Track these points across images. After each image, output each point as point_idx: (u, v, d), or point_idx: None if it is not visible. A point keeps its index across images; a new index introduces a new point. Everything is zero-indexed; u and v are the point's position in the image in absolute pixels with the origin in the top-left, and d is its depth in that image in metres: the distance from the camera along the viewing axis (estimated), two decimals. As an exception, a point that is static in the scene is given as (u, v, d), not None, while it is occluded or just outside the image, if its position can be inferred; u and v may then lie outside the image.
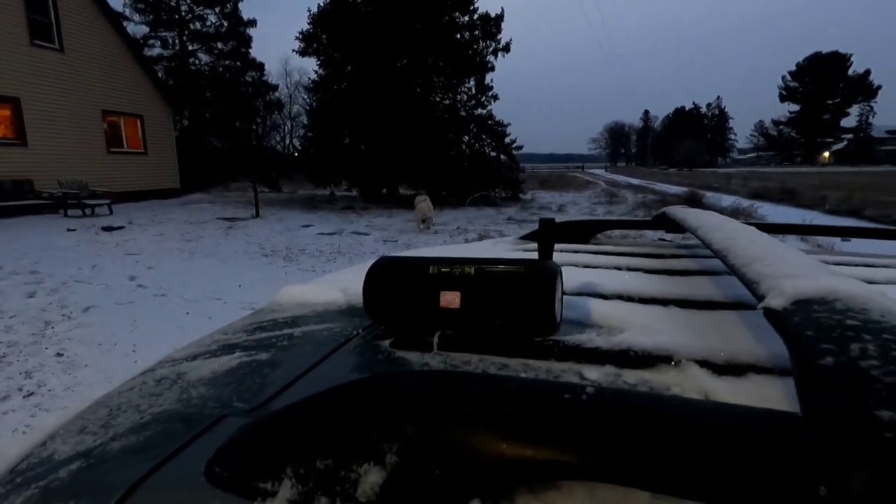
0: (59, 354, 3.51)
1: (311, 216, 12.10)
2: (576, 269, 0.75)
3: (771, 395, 0.35)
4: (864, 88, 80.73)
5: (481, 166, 15.73)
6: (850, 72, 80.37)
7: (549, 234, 0.55)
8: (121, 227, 9.47)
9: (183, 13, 22.66)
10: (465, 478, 0.23)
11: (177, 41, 22.83)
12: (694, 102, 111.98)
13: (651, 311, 0.54)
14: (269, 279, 5.83)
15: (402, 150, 14.62)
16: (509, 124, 16.49)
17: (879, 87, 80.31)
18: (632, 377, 0.40)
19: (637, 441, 0.22)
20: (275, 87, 25.87)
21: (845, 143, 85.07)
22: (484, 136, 16.63)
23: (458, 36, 15.93)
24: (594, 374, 0.41)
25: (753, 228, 0.59)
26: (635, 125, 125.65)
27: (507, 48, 16.09)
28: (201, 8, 22.88)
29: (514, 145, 16.78)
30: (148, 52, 20.80)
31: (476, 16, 15.98)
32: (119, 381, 0.50)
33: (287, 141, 32.22)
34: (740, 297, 0.57)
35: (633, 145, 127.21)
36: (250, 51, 23.95)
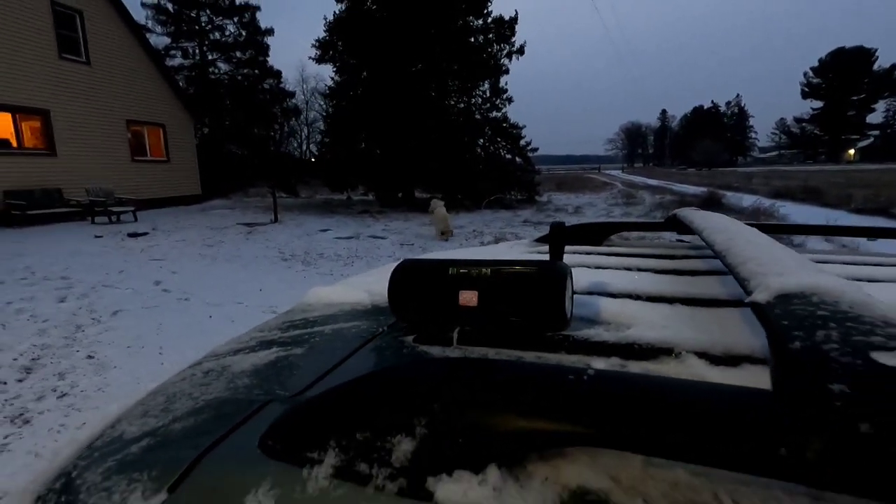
0: (90, 357, 3.65)
1: (329, 220, 12.26)
2: (588, 269, 0.78)
3: (760, 381, 0.39)
4: (891, 83, 78.41)
5: (496, 169, 15.75)
6: (875, 66, 78.25)
7: (559, 236, 0.59)
8: (145, 234, 9.74)
9: (203, 24, 23.22)
10: (484, 446, 0.27)
11: (197, 51, 23.39)
12: (713, 101, 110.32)
13: (657, 309, 0.57)
14: (289, 283, 5.95)
15: (417, 154, 14.73)
16: (524, 126, 16.49)
17: (906, 82, 77.97)
18: (635, 367, 0.44)
19: (629, 412, 0.26)
20: (292, 94, 26.30)
21: (872, 139, 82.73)
22: (499, 139, 16.65)
23: (472, 39, 16.01)
24: (601, 364, 0.45)
25: (755, 230, 0.61)
26: (652, 125, 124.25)
27: (521, 51, 16.10)
28: (220, 18, 23.42)
29: (530, 147, 16.77)
30: (169, 63, 21.37)
31: (490, 19, 16.04)
32: (147, 382, 0.55)
33: (304, 147, 32.71)
34: (741, 294, 0.60)
35: (650, 145, 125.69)
36: (268, 59, 24.42)
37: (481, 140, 16.56)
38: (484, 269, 0.51)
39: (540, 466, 0.29)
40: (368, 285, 0.75)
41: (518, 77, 18.77)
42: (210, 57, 23.71)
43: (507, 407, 0.28)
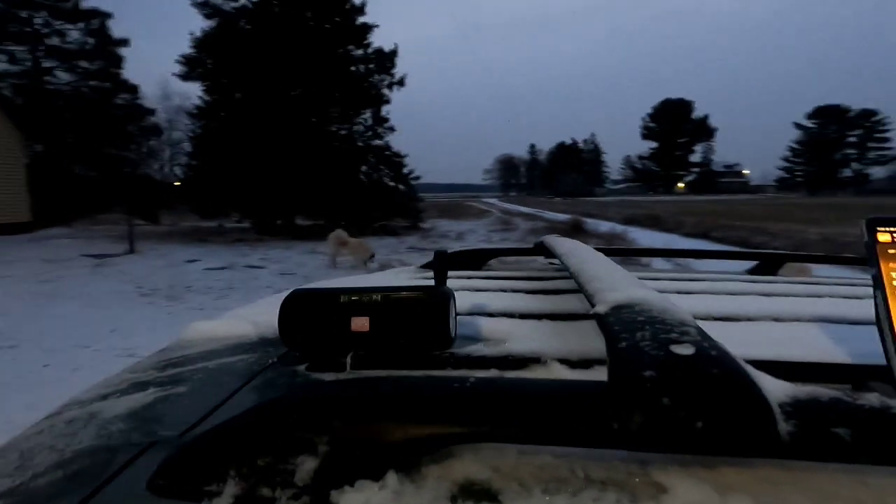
0: None
1: (198, 250, 11.20)
2: (469, 292, 0.85)
3: (603, 377, 0.47)
4: (705, 130, 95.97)
5: (380, 196, 15.84)
6: (693, 115, 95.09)
7: (443, 262, 0.64)
8: (-48, 270, 7.99)
9: (37, 27, 20.19)
10: (382, 455, 0.31)
11: (29, 56, 20.19)
12: (573, 138, 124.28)
13: (528, 325, 0.65)
14: (151, 321, 5.30)
15: (297, 180, 14.23)
16: (406, 155, 16.91)
17: (716, 129, 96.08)
18: (510, 375, 0.50)
19: (501, 409, 0.31)
20: (151, 112, 23.84)
21: (694, 175, 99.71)
22: (382, 167, 16.83)
23: (354, 68, 16.14)
24: (481, 376, 0.50)
25: (601, 255, 0.74)
26: (524, 157, 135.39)
27: (401, 82, 16.62)
28: (61, 23, 20.59)
29: (412, 175, 17.20)
30: (-10, 67, 18.13)
31: (371, 50, 16.36)
32: None
33: (167, 169, 29.62)
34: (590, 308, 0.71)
35: (522, 176, 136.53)
36: (122, 71, 21.97)
37: (364, 167, 16.59)
38: (374, 296, 0.54)
39: (432, 467, 0.32)
40: (254, 317, 0.73)
41: (402, 107, 19.21)
42: (46, 65, 20.63)
43: (399, 417, 0.31)
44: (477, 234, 15.95)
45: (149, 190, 20.16)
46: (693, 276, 1.07)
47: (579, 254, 0.75)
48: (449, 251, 1.12)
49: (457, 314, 0.59)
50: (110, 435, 0.42)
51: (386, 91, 16.52)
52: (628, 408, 0.28)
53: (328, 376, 0.52)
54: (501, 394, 0.33)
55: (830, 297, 0.80)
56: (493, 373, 0.51)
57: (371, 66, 16.45)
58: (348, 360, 0.54)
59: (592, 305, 0.48)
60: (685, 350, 0.32)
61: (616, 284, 0.51)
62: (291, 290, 0.58)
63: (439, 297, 0.54)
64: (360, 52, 16.32)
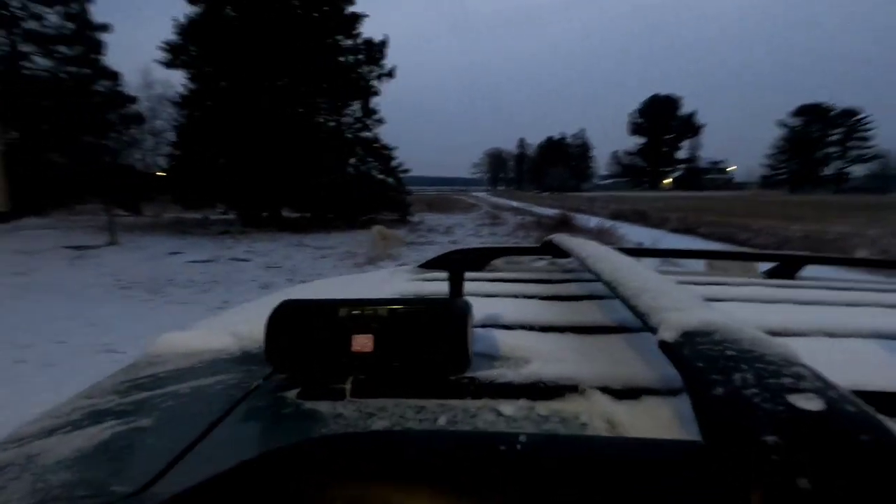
0: None
1: (181, 242, 10.95)
2: (478, 298, 0.77)
3: (663, 415, 0.39)
4: (691, 126, 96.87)
5: (368, 189, 15.65)
6: (680, 112, 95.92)
7: (459, 269, 0.56)
8: (-79, 261, 7.68)
9: (12, 9, 19.46)
10: None
11: (4, 41, 19.49)
12: (562, 133, 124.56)
13: (551, 340, 0.57)
14: (131, 315, 5.13)
15: (284, 172, 13.98)
16: (396, 147, 16.72)
17: (703, 126, 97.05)
18: (544, 409, 0.42)
19: (543, 490, 0.22)
20: (133, 100, 23.18)
21: (680, 171, 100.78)
22: (370, 159, 16.63)
23: (342, 59, 15.87)
24: (509, 409, 0.42)
25: (633, 260, 0.66)
26: (512, 151, 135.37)
27: (391, 74, 16.39)
28: (38, 5, 19.88)
29: (401, 168, 17.02)
30: (-37, 51, 17.46)
31: (360, 40, 16.09)
32: None
33: (149, 159, 28.94)
34: (623, 320, 0.63)
35: (510, 170, 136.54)
36: (102, 57, 21.30)
37: (353, 159, 16.38)
38: (380, 310, 0.46)
39: None
40: (234, 326, 0.64)
41: (391, 99, 19.01)
42: (23, 49, 19.92)
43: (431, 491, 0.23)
44: (465, 227, 15.87)
45: (130, 180, 19.66)
46: (710, 279, 1.00)
47: (609, 258, 0.67)
48: (455, 250, 1.04)
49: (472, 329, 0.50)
50: (47, 491, 0.33)
51: (375, 82, 16.29)
52: (748, 485, 0.20)
53: (324, 406, 0.44)
54: (540, 461, 0.23)
55: (877, 306, 0.73)
56: (522, 404, 0.43)
57: (360, 56, 16.18)
58: (348, 386, 0.45)
59: (650, 327, 0.40)
60: (810, 403, 0.24)
61: (675, 301, 0.43)
62: (281, 302, 0.49)
63: (457, 312, 0.46)
64: (349, 42, 16.04)
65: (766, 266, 1.13)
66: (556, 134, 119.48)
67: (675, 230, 14.72)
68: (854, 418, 0.23)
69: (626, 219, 18.56)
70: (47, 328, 4.56)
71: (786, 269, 1.09)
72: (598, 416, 0.41)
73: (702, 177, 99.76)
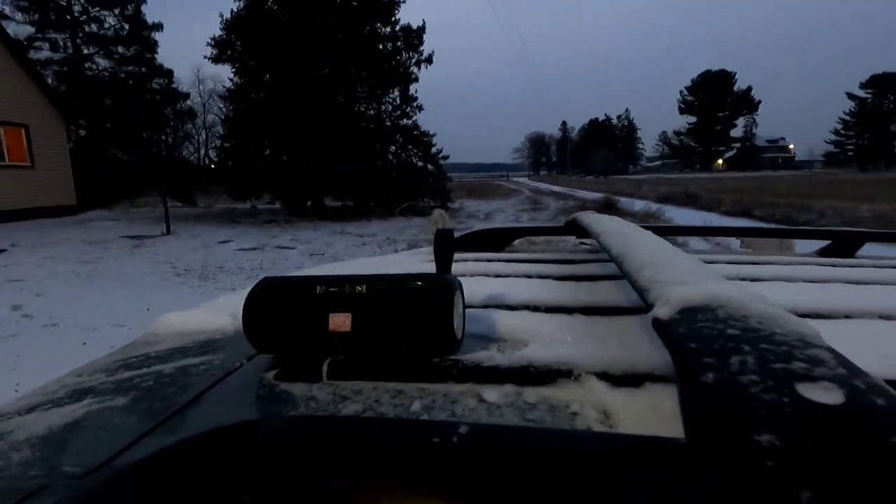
0: (-82, 402, 3.00)
1: (230, 231, 11.42)
2: (486, 279, 0.73)
3: (665, 405, 0.35)
4: (747, 103, 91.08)
5: (409, 176, 15.73)
6: (735, 88, 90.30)
7: (446, 245, 0.52)
8: (2, 251, 8.38)
9: (76, 14, 20.69)
10: None
11: (69, 44, 20.77)
12: (606, 114, 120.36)
13: (556, 321, 0.53)
14: (183, 300, 5.40)
15: (326, 161, 14.26)
16: (435, 134, 16.67)
17: (759, 102, 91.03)
18: (532, 395, 0.38)
19: (500, 480, 0.20)
20: (186, 96, 24.32)
21: (735, 151, 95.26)
22: (410, 147, 16.66)
23: (381, 47, 15.90)
24: (493, 395, 0.39)
25: (650, 233, 0.60)
26: (555, 135, 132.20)
27: (429, 60, 16.28)
28: (97, 9, 21.03)
29: (441, 155, 16.97)
30: (34, 56, 18.74)
31: (398, 27, 16.05)
32: None
33: (202, 152, 30.30)
34: (637, 301, 0.58)
35: (553, 154, 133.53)
36: (156, 56, 22.36)
37: (393, 147, 16.47)
38: (358, 287, 0.43)
39: None
40: (234, 307, 0.64)
41: (429, 86, 18.94)
42: (86, 51, 21.19)
43: (356, 474, 0.22)
44: (505, 213, 15.69)
45: (184, 173, 20.68)
46: (754, 259, 0.91)
47: (622, 232, 0.61)
48: (476, 230, 0.99)
49: (465, 308, 0.47)
50: (5, 469, 0.32)
51: (414, 69, 16.23)
52: (727, 498, 0.17)
53: (299, 388, 0.41)
54: (502, 453, 0.21)
55: None
56: (507, 390, 0.39)
57: (398, 43, 16.15)
58: (324, 367, 0.43)
59: (647, 304, 0.35)
60: (826, 394, 0.19)
61: (681, 274, 0.37)
62: (262, 279, 0.47)
63: (441, 288, 0.42)
64: (387, 29, 16.03)
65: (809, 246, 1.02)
66: (600, 116, 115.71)
67: (729, 213, 13.95)
68: (882, 414, 0.18)
69: (674, 202, 17.78)
70: (110, 312, 4.88)
71: (841, 247, 0.98)
72: (590, 404, 0.36)
73: (758, 156, 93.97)
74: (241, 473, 0.23)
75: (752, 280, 0.68)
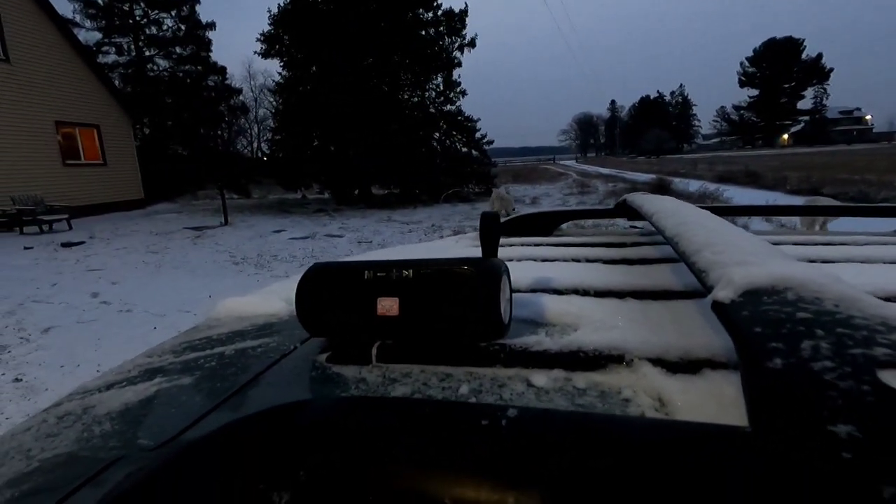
0: (17, 380, 3.34)
1: (283, 221, 11.87)
2: (533, 263, 0.72)
3: (725, 393, 0.33)
4: (817, 72, 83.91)
5: (453, 162, 15.72)
6: (803, 56, 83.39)
7: (493, 229, 0.52)
8: (81, 243, 9.11)
9: (137, 18, 21.88)
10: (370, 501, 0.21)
11: (132, 47, 22.03)
12: (658, 91, 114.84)
13: (606, 305, 0.51)
14: (241, 287, 5.69)
15: (372, 150, 14.48)
16: (479, 119, 16.52)
17: (831, 70, 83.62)
18: (581, 381, 0.38)
19: (558, 469, 0.19)
20: (238, 91, 25.24)
21: (802, 124, 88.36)
22: (454, 133, 16.60)
23: (423, 33, 15.85)
24: (542, 379, 0.38)
25: (708, 213, 0.57)
26: (603, 115, 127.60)
27: (472, 43, 16.08)
28: (156, 12, 22.14)
29: (485, 140, 16.81)
30: (102, 60, 20.04)
31: (440, 12, 15.92)
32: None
33: (255, 145, 31.55)
34: (694, 284, 0.55)
35: (601, 135, 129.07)
36: (210, 54, 23.32)
37: (436, 134, 16.47)
38: (405, 271, 0.43)
39: None
40: (288, 293, 0.66)
41: (471, 70, 18.70)
42: (147, 53, 22.40)
43: (402, 462, 0.22)
44: (552, 197, 15.39)
45: (239, 166, 21.61)
46: (823, 238, 0.84)
47: (677, 212, 0.58)
48: (523, 214, 0.98)
49: (512, 293, 0.46)
50: (88, 440, 0.36)
51: (456, 54, 16.11)
52: (796, 493, 0.16)
53: (350, 371, 0.43)
54: (561, 438, 0.20)
55: None
56: (556, 374, 0.39)
57: (441, 28, 16.05)
58: (373, 350, 0.44)
59: (707, 286, 0.33)
60: None
61: (745, 254, 0.34)
62: (313, 264, 0.48)
63: (488, 272, 0.42)
64: (429, 14, 15.95)
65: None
66: (651, 93, 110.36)
67: (795, 191, 13.01)
68: None
69: (734, 181, 16.79)
70: (176, 299, 5.21)
71: None
72: (644, 390, 0.35)
73: (830, 129, 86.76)
74: (295, 450, 0.23)
75: (824, 262, 0.63)
